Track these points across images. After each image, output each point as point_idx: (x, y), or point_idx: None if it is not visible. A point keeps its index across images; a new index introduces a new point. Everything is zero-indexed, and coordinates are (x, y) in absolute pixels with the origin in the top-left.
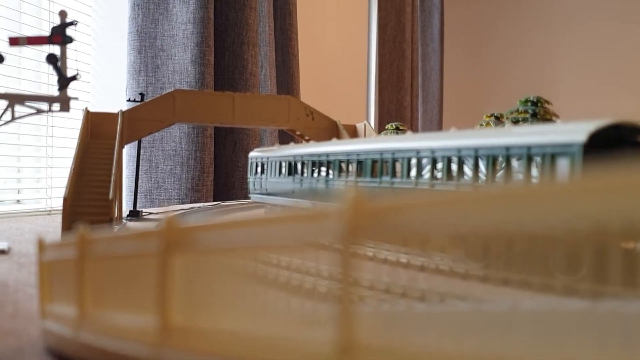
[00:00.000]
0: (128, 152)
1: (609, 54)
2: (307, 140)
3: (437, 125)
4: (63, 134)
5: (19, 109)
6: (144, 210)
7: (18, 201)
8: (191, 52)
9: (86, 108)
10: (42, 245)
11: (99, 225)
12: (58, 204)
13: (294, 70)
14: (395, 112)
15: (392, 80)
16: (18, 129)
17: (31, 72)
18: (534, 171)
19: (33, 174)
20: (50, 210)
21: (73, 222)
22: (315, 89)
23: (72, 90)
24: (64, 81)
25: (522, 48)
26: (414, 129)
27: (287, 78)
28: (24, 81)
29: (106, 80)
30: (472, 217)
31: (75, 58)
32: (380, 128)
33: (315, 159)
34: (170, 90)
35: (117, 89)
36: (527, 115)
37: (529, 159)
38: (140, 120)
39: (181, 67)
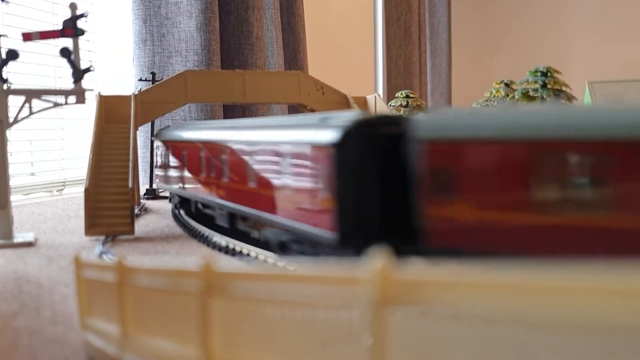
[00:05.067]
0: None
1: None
2: None
3: (446, 78)
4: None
5: (36, 104)
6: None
7: (32, 174)
8: (196, 19)
9: (99, 93)
10: (78, 262)
11: (120, 213)
12: (71, 175)
13: (300, 31)
14: (404, 67)
15: (400, 34)
16: None
17: (44, 67)
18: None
19: (45, 146)
20: (64, 182)
21: (95, 211)
22: (322, 48)
23: (86, 81)
24: (78, 74)
25: None
26: (423, 83)
27: (292, 39)
28: (39, 77)
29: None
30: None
31: (88, 49)
32: (389, 83)
33: None
34: (176, 58)
35: (126, 63)
36: (537, 86)
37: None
38: (153, 102)
39: (187, 35)
